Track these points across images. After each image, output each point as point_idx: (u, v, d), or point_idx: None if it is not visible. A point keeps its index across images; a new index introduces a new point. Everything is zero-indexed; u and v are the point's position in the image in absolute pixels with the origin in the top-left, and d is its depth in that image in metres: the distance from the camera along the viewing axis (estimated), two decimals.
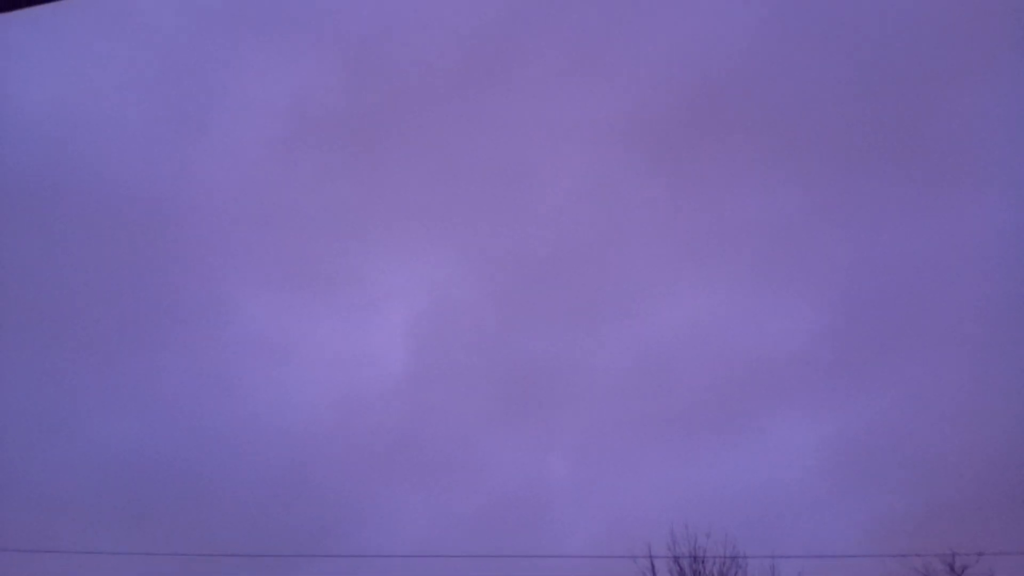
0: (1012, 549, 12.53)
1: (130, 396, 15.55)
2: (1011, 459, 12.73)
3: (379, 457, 15.24)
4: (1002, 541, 12.44)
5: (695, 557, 13.76)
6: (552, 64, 18.26)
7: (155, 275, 17.28)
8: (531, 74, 18.31)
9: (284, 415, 14.91)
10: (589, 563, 13.32)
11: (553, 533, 14.17)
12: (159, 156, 17.77)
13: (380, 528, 14.33)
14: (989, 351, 14.53)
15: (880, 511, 12.95)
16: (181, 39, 17.44)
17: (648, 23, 18.06)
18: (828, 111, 17.18)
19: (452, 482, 15.06)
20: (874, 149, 16.88)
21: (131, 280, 17.18)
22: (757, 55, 17.29)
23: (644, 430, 15.55)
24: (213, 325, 17.26)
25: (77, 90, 17.93)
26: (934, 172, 16.24)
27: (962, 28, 15.71)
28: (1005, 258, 15.10)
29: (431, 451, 15.27)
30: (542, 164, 18.53)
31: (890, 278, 16.08)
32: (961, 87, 15.98)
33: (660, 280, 17.86)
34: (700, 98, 17.31)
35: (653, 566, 13.68)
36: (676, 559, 13.81)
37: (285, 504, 14.19)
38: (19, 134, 16.84)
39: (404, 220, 18.29)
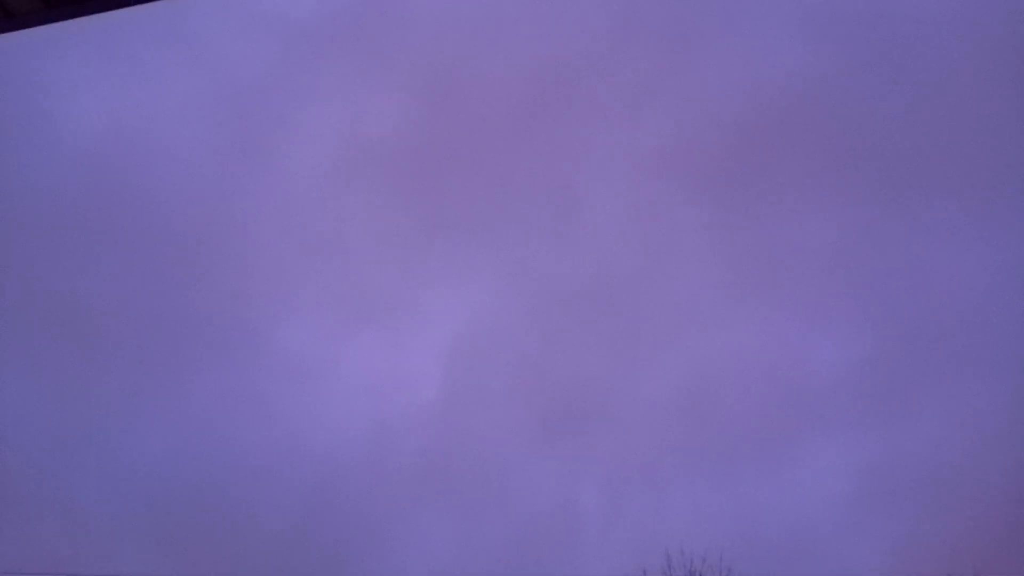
0: None
1: (162, 417, 15.70)
2: None
3: (410, 481, 15.17)
4: None
5: None
6: (602, 94, 18.36)
7: (195, 297, 17.53)
8: (581, 104, 18.43)
9: (316, 438, 14.93)
10: None
11: (581, 559, 13.99)
12: (209, 178, 18.12)
13: (408, 552, 14.23)
14: None
15: (910, 536, 12.63)
16: (241, 63, 17.83)
17: (693, 53, 18.09)
18: (873, 138, 16.99)
19: (482, 506, 14.93)
20: (920, 175, 16.63)
21: (171, 301, 17.44)
22: (802, 83, 17.21)
23: (679, 457, 15.32)
24: (250, 348, 17.44)
25: (131, 111, 18.40)
26: (980, 198, 15.93)
27: (1017, 55, 15.47)
28: None
29: (463, 475, 15.17)
30: (588, 191, 18.56)
31: (933, 305, 15.75)
32: (1009, 113, 15.70)
33: (702, 308, 17.71)
34: (745, 126, 17.23)
35: None
36: None
37: (314, 527, 14.18)
38: (69, 152, 17.29)
39: (449, 245, 18.42)
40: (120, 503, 13.91)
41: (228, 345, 17.22)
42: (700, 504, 14.36)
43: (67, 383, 15.85)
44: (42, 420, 15.42)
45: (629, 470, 15.31)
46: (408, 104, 18.35)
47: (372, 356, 17.81)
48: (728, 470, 14.89)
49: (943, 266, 15.97)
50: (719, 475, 14.80)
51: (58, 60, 17.35)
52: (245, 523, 14.25)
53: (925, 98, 16.35)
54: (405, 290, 17.88)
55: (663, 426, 16.34)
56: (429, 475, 15.59)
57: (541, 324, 18.04)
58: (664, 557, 13.67)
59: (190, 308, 17.27)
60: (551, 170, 18.32)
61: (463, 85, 17.91)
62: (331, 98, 18.71)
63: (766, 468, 14.48)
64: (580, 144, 18.02)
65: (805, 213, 17.35)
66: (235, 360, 16.99)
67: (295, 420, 15.72)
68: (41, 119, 18.24)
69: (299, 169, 18.17)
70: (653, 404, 16.65)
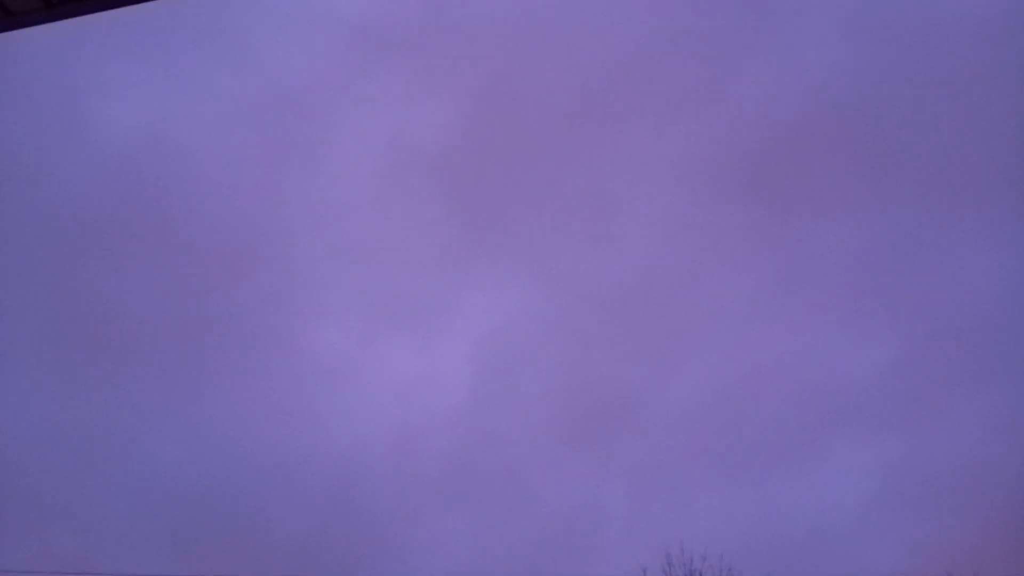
0: None
1: (188, 418, 15.86)
2: None
3: (435, 483, 15.20)
4: None
5: None
6: (641, 100, 18.40)
7: (229, 300, 17.70)
8: (621, 110, 18.48)
9: (342, 440, 14.99)
10: None
11: (602, 560, 13.97)
12: (250, 182, 18.31)
13: (431, 553, 14.26)
14: None
15: (933, 536, 12.49)
16: (290, 65, 18.03)
17: (732, 61, 18.06)
18: (909, 144, 16.85)
19: (506, 508, 14.93)
20: (954, 182, 16.46)
21: (204, 304, 17.64)
22: (838, 90, 17.14)
23: (705, 460, 15.23)
24: (280, 350, 17.58)
25: (173, 113, 18.65)
26: (1014, 204, 15.71)
27: None
28: None
29: (488, 477, 15.17)
30: (626, 197, 18.57)
31: (964, 309, 15.57)
32: None
33: (735, 312, 17.62)
34: (781, 133, 17.17)
35: None
36: None
37: (337, 528, 14.24)
38: (108, 155, 17.53)
39: (485, 249, 18.49)
40: (141, 503, 14.04)
41: (258, 347, 17.38)
42: (724, 505, 14.29)
43: (94, 384, 16.09)
44: (67, 420, 15.67)
45: (655, 472, 15.26)
46: (454, 112, 18.48)
47: (402, 359, 17.89)
48: (753, 472, 14.81)
49: (974, 271, 15.78)
50: (744, 477, 14.73)
51: (99, 62, 17.63)
52: (267, 524, 14.36)
53: (961, 105, 16.17)
54: (438, 294, 17.97)
55: (691, 429, 16.26)
56: (454, 477, 15.63)
57: (573, 328, 18.04)
58: (664, 556, 13.72)
59: (223, 310, 17.46)
60: (590, 176, 18.34)
61: (510, 93, 18.01)
62: (380, 104, 18.90)
63: (792, 470, 14.39)
64: (619, 150, 18.04)
65: (839, 218, 17.23)
66: (265, 362, 17.14)
67: (322, 422, 15.83)
68: (81, 121, 18.57)
69: (342, 174, 18.33)
70: (682, 407, 16.57)
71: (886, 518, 13.57)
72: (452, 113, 18.88)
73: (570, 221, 18.81)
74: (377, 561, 14.36)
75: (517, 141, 18.71)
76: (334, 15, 20.00)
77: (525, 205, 18.77)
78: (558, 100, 18.57)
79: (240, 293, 18.14)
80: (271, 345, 17.34)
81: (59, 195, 17.52)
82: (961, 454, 13.66)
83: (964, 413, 14.28)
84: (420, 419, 16.71)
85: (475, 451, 16.09)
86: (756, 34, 18.85)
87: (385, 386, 17.27)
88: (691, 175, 17.99)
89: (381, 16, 20.11)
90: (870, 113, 17.20)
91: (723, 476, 14.93)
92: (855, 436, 14.73)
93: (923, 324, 15.99)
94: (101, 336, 16.59)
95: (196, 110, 18.98)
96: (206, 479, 14.46)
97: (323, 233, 18.52)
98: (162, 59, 19.03)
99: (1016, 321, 14.79)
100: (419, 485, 15.16)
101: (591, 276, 18.27)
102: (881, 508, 13.66)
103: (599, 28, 19.31)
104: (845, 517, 13.53)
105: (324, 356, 17.51)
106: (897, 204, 17.19)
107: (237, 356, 17.26)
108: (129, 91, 18.72)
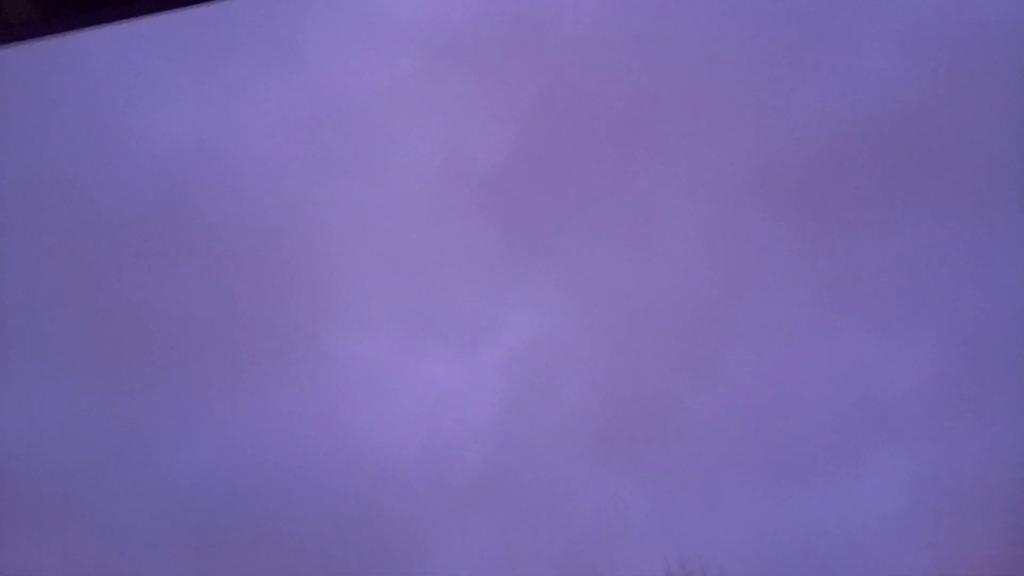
0: None
1: (220, 427, 15.75)
2: None
3: (466, 494, 14.99)
4: None
5: None
6: (688, 111, 18.17)
7: (267, 311, 17.62)
8: (668, 121, 18.24)
9: (371, 451, 14.78)
10: None
11: (628, 573, 13.69)
12: (295, 193, 18.25)
13: (458, 565, 14.05)
14: None
15: (963, 549, 12.10)
16: (345, 73, 17.89)
17: (781, 71, 17.78)
18: (958, 156, 16.52)
19: (535, 522, 14.70)
20: (1001, 196, 16.06)
21: (244, 314, 17.57)
22: (891, 102, 16.85)
23: (738, 473, 14.95)
24: (314, 361, 17.49)
25: (219, 123, 18.57)
26: None
27: None
28: None
29: (518, 490, 14.93)
30: (670, 210, 18.32)
31: (1008, 322, 15.17)
32: None
33: (775, 324, 17.32)
34: (831, 145, 16.89)
35: None
36: None
37: (364, 539, 14.07)
38: (158, 165, 17.49)
39: (526, 262, 18.30)
40: (165, 514, 13.88)
41: (295, 356, 17.28)
42: (753, 518, 13.97)
43: (127, 389, 16.03)
44: (97, 424, 15.62)
45: (687, 484, 14.96)
46: (505, 124, 18.29)
47: (438, 371, 17.69)
48: (787, 485, 14.51)
49: (1017, 283, 15.39)
50: (777, 489, 14.42)
51: (146, 69, 17.60)
52: (294, 533, 14.20)
53: (1006, 118, 15.77)
54: (478, 306, 17.76)
55: (725, 442, 15.94)
56: (485, 489, 15.39)
57: (611, 342, 17.77)
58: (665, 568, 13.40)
59: (260, 321, 17.37)
60: (634, 189, 18.13)
61: (560, 106, 17.83)
62: (432, 115, 18.78)
63: (825, 481, 14.08)
64: (665, 162, 17.83)
65: (883, 231, 16.90)
66: (301, 370, 17.03)
67: (354, 431, 15.67)
68: (126, 129, 18.58)
69: (389, 185, 18.21)
70: (718, 420, 16.23)
71: (919, 531, 13.23)
72: (502, 126, 18.69)
73: (612, 234, 18.61)
74: (405, 572, 14.16)
75: (564, 154, 18.54)
76: (392, 23, 19.95)
77: (569, 217, 18.62)
78: (606, 113, 18.38)
79: (279, 302, 18.07)
80: (308, 354, 17.24)
81: (103, 203, 17.46)
82: (997, 467, 13.30)
83: (1002, 426, 13.89)
84: (453, 430, 16.54)
85: (507, 463, 15.89)
86: (805, 48, 18.60)
87: (419, 397, 17.10)
88: (734, 187, 17.73)
89: (440, 26, 20.04)
90: (914, 126, 16.90)
91: (755, 487, 14.65)
92: (890, 448, 14.40)
93: (963, 336, 15.58)
94: (138, 342, 16.52)
95: (244, 119, 18.94)
96: (234, 487, 14.29)
97: (366, 244, 18.41)
98: (211, 67, 19.00)
99: None
100: (449, 496, 14.97)
101: (629, 288, 18.04)
102: (914, 521, 13.32)
103: (650, 40, 19.14)
104: (876, 529, 13.19)
105: (359, 366, 17.39)
106: (940, 216, 16.87)
107: (273, 364, 17.16)
108: (176, 99, 18.67)
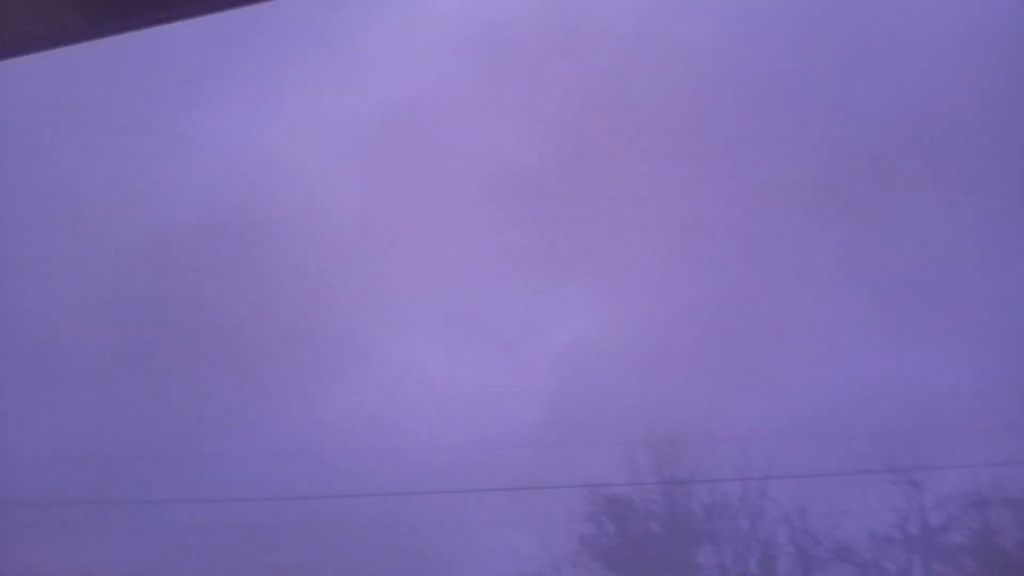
0: None
1: (270, 429, 16.11)
2: None
3: (507, 497, 15.10)
4: None
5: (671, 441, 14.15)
6: (737, 119, 18.53)
7: (315, 314, 18.17)
8: (716, 126, 18.57)
9: (410, 454, 14.96)
10: None
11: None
12: (345, 198, 18.81)
13: (493, 565, 14.26)
14: None
15: None
16: (397, 85, 18.50)
17: (832, 74, 17.93)
18: (1016, 159, 16.52)
19: (574, 526, 14.84)
20: None
21: (296, 317, 18.15)
22: (942, 106, 16.96)
23: (783, 482, 14.97)
24: (359, 364, 17.93)
25: (280, 130, 19.42)
26: None
27: None
28: None
29: (560, 494, 15.03)
30: (718, 215, 18.57)
31: None
32: None
33: (828, 333, 17.43)
34: (882, 150, 17.01)
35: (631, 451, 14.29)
36: (652, 443, 14.28)
37: (400, 543, 14.34)
38: (216, 169, 18.18)
39: (572, 268, 18.68)
40: (216, 514, 14.19)
41: (339, 361, 17.75)
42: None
43: (184, 393, 16.57)
44: (150, 428, 16.08)
45: (728, 492, 15.06)
46: (555, 131, 18.83)
47: (478, 374, 18.06)
48: (835, 488, 14.54)
49: None
50: (827, 498, 14.42)
51: (204, 74, 18.33)
52: (339, 533, 14.49)
53: None
54: (523, 310, 18.16)
55: (771, 452, 15.92)
56: (526, 493, 15.53)
57: (654, 344, 17.94)
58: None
59: (307, 323, 17.90)
60: (680, 192, 18.33)
61: (609, 111, 18.23)
62: (483, 121, 19.43)
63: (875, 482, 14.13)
64: (710, 166, 18.05)
65: (940, 235, 16.87)
66: (344, 375, 17.48)
67: (392, 434, 15.93)
68: (185, 133, 19.39)
69: (439, 190, 18.74)
70: (766, 428, 16.24)
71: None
72: (548, 131, 19.12)
73: (657, 238, 18.79)
74: (448, 570, 14.39)
75: (608, 160, 18.82)
76: (446, 28, 20.65)
77: (613, 222, 18.86)
78: (653, 119, 18.64)
79: (329, 306, 18.61)
80: (353, 358, 17.72)
81: (165, 210, 18.20)
82: None
83: None
84: (496, 433, 16.72)
85: (548, 467, 15.99)
86: (859, 50, 18.67)
87: (464, 400, 17.45)
88: (783, 193, 17.79)
89: (489, 31, 20.63)
90: (966, 133, 16.83)
91: (803, 497, 14.65)
92: (942, 454, 14.34)
93: (1016, 340, 15.42)
94: (193, 347, 17.10)
95: (298, 123, 19.70)
96: (284, 487, 14.59)
97: (415, 249, 18.93)
98: (268, 71, 19.72)
99: None
100: (490, 498, 15.12)
101: (675, 294, 18.20)
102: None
103: (694, 48, 19.36)
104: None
105: (402, 369, 17.81)
106: (994, 221, 16.73)
107: (324, 368, 17.68)
108: (234, 103, 19.36)
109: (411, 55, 21.01)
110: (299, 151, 21.13)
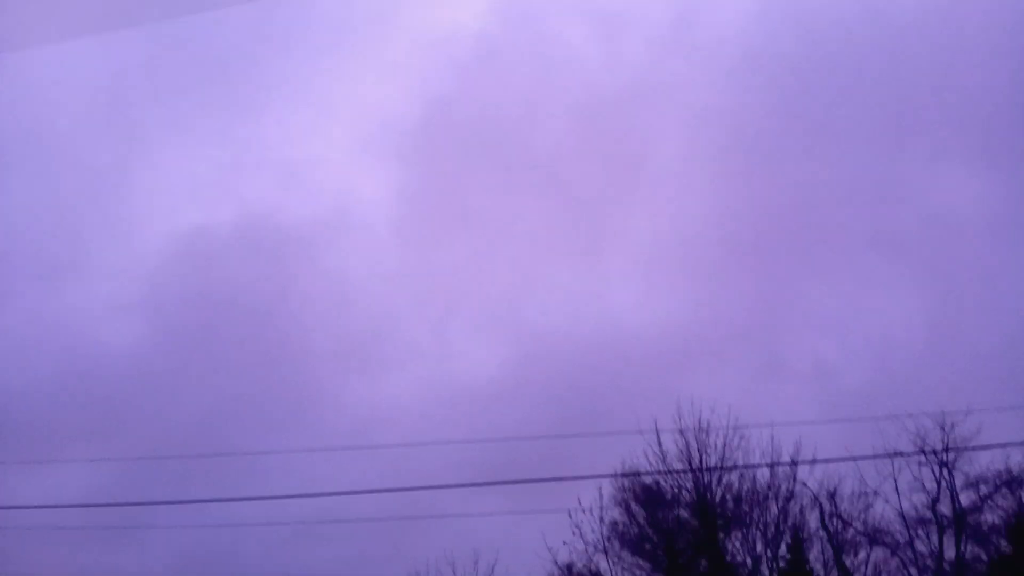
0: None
1: (308, 430, 16.37)
2: None
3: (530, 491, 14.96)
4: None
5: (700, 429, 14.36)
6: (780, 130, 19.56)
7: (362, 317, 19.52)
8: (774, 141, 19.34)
9: (441, 450, 14.87)
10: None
11: None
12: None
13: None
14: None
15: None
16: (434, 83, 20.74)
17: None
18: None
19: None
20: None
21: (340, 319, 19.45)
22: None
23: None
24: (401, 360, 19.35)
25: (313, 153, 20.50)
26: None
27: None
28: None
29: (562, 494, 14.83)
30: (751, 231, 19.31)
31: None
32: None
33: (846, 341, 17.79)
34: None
35: (659, 440, 14.45)
36: (681, 431, 14.51)
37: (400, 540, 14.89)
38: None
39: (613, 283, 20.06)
40: (249, 515, 14.25)
41: (383, 360, 19.58)
42: None
43: (225, 394, 17.16)
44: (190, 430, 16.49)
45: None
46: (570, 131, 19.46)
47: (509, 365, 18.48)
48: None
49: None
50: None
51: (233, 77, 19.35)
52: (371, 533, 14.59)
53: None
54: (551, 301, 18.63)
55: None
56: (533, 492, 15.46)
57: (686, 335, 18.17)
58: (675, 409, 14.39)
59: (351, 326, 19.73)
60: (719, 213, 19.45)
61: (636, 127, 18.80)
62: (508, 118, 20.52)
63: None
64: (771, 175, 19.19)
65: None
66: (385, 376, 19.16)
67: (428, 429, 16.11)
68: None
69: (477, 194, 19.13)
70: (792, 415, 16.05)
71: None
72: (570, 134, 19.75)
73: (680, 253, 19.09)
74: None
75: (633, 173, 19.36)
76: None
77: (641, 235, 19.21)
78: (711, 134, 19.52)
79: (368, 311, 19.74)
80: (394, 356, 19.47)
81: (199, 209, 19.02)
82: None
83: None
84: (526, 426, 16.78)
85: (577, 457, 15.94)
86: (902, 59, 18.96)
87: (490, 392, 17.66)
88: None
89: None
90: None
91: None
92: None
93: None
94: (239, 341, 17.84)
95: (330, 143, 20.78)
96: (319, 488, 14.58)
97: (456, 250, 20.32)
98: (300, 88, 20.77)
99: None
100: (521, 490, 15.05)
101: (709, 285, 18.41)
102: None
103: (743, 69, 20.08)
104: None
105: (438, 362, 18.96)
106: None
107: (359, 368, 18.43)
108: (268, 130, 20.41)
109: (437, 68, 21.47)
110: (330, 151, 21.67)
